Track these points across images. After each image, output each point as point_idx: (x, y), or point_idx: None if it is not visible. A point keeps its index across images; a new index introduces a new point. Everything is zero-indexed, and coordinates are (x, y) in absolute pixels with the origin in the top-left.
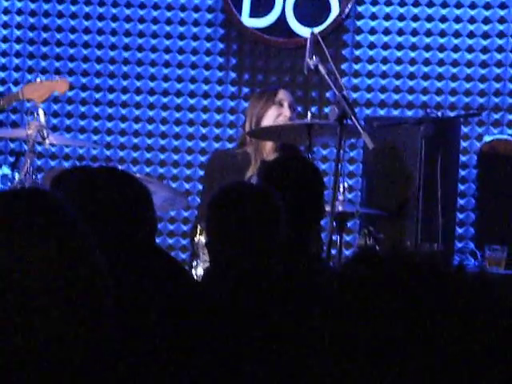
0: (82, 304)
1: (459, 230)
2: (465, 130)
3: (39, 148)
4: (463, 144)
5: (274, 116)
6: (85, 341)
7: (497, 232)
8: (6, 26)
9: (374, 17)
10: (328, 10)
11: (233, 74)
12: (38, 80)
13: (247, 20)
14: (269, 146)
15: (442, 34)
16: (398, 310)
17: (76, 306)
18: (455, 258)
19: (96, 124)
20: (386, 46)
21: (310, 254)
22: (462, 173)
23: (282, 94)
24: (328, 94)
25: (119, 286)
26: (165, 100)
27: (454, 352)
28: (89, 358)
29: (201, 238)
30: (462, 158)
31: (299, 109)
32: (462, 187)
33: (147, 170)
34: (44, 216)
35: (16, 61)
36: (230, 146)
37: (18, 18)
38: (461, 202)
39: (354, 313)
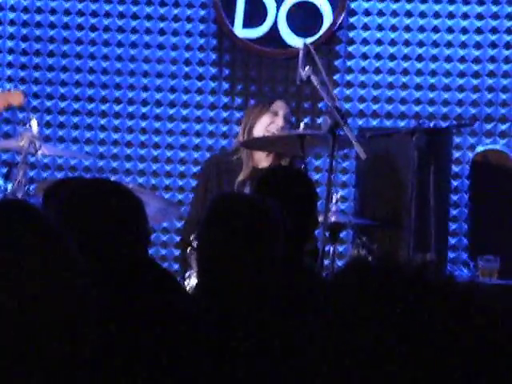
0: (66, 317)
1: (452, 241)
2: (457, 140)
3: (32, 159)
4: (456, 154)
5: (266, 124)
6: (70, 352)
7: (489, 242)
8: None
9: (366, 27)
10: (320, 20)
11: (226, 85)
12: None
13: (240, 30)
14: (260, 154)
15: (435, 44)
16: (387, 319)
17: (59, 319)
18: (448, 268)
19: (88, 135)
20: (378, 57)
21: (304, 265)
22: (455, 183)
23: (278, 104)
24: (320, 105)
25: (111, 297)
26: (158, 110)
27: (443, 362)
28: (74, 367)
29: (193, 248)
30: (455, 169)
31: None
32: (454, 197)
33: (140, 180)
34: (26, 228)
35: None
36: (210, 155)
37: (8, 28)
38: (453, 212)
39: (344, 321)
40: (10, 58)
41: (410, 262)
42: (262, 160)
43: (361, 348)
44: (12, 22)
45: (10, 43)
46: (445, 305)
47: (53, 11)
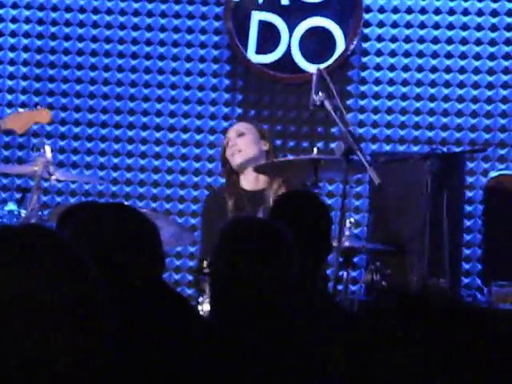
0: (87, 341)
1: (466, 266)
2: (470, 165)
3: (45, 184)
4: (469, 179)
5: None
6: (86, 369)
7: (504, 267)
8: None
9: (379, 53)
10: (333, 46)
11: (239, 110)
12: (20, 110)
13: (253, 56)
14: (247, 177)
15: (447, 70)
16: (428, 343)
17: (81, 344)
18: (462, 293)
19: (102, 160)
20: (391, 82)
21: (318, 290)
22: (468, 208)
23: (231, 129)
24: (334, 130)
25: (126, 320)
26: (171, 135)
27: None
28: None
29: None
30: (468, 194)
31: (305, 144)
32: (468, 223)
33: (153, 205)
34: (49, 253)
35: (9, 97)
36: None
37: (11, 55)
38: (467, 237)
39: (383, 343)
40: (24, 83)
41: (444, 290)
42: (251, 183)
43: (398, 369)
44: (26, 48)
45: (23, 69)
46: (484, 332)
47: (67, 52)
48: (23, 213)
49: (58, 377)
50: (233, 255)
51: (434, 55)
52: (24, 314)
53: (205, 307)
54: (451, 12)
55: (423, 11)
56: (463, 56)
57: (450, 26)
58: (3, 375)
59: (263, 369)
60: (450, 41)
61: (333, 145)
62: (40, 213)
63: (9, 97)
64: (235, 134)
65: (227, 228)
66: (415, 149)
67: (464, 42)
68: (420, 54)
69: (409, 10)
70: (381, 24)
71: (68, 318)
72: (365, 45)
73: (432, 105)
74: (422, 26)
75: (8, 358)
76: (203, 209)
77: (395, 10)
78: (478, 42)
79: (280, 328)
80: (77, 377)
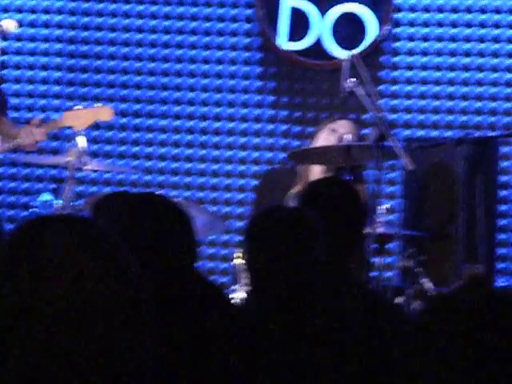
0: (126, 329)
1: (500, 251)
2: (504, 149)
3: (79, 174)
4: (503, 164)
5: (323, 140)
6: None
7: None
8: (47, 53)
9: (411, 38)
10: (365, 32)
11: (271, 97)
12: (80, 107)
13: (284, 43)
14: (316, 167)
15: (481, 54)
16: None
17: (120, 332)
18: (497, 279)
19: (135, 149)
20: (423, 67)
21: (351, 276)
22: (502, 193)
23: (339, 123)
24: (366, 116)
25: (159, 311)
26: (203, 124)
27: None
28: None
29: (240, 262)
30: (502, 178)
31: None
32: (501, 208)
33: (186, 194)
34: (92, 243)
35: (55, 88)
36: (269, 168)
37: (58, 45)
38: (501, 222)
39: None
40: (56, 74)
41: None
42: (318, 174)
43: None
44: (58, 39)
45: (57, 59)
46: None
47: (98, 42)
48: (57, 203)
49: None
50: (259, 244)
51: (467, 39)
52: (62, 301)
53: (239, 295)
54: None
55: None
56: (496, 39)
57: (484, 9)
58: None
59: (295, 358)
60: (483, 25)
61: (365, 131)
62: (74, 203)
63: (41, 88)
64: (342, 138)
65: (253, 219)
66: (448, 134)
67: (497, 25)
68: (453, 39)
69: None
70: (412, 8)
71: (107, 306)
72: (396, 30)
73: (465, 89)
74: (455, 10)
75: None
76: (257, 187)
77: None
78: None
79: (313, 313)
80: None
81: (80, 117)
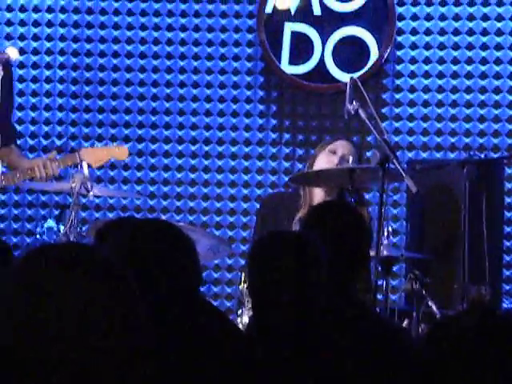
0: (130, 353)
1: (506, 272)
2: (509, 171)
3: (83, 200)
4: (508, 185)
5: (323, 162)
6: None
7: None
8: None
9: (413, 60)
10: (367, 55)
11: (273, 121)
12: (98, 145)
13: (286, 67)
14: (318, 190)
15: (483, 76)
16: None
17: (123, 357)
18: (503, 300)
19: (139, 174)
20: (426, 89)
21: (354, 299)
22: (508, 214)
23: (337, 143)
24: (369, 139)
25: (163, 335)
26: (207, 148)
27: None
28: None
29: (245, 286)
30: (507, 200)
31: None
32: (507, 229)
33: (190, 218)
34: (94, 272)
35: (46, 100)
36: (271, 191)
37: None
38: (507, 243)
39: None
40: (60, 101)
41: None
42: (321, 197)
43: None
44: (62, 66)
45: (59, 86)
46: None
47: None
48: (62, 229)
49: None
50: (260, 270)
51: (469, 61)
52: (67, 329)
53: (244, 319)
54: (485, 18)
55: (456, 18)
56: (498, 62)
57: (485, 32)
58: None
59: (300, 380)
60: (484, 47)
61: (368, 154)
62: (79, 229)
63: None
64: (342, 159)
65: (258, 243)
66: (452, 156)
67: (499, 47)
68: (455, 61)
69: (442, 17)
70: (414, 31)
71: (109, 333)
72: (399, 52)
73: (468, 111)
74: (456, 32)
75: (55, 371)
76: (259, 211)
77: (428, 18)
78: None
79: (315, 339)
80: None
81: (96, 155)
